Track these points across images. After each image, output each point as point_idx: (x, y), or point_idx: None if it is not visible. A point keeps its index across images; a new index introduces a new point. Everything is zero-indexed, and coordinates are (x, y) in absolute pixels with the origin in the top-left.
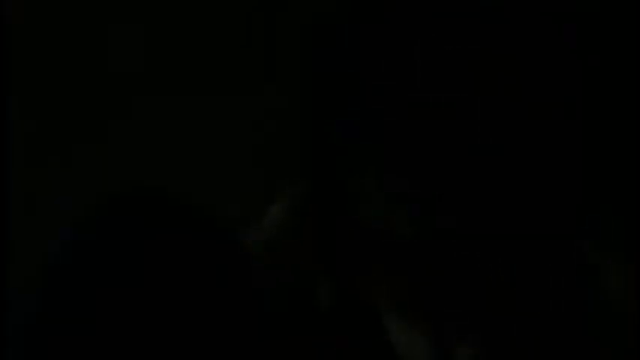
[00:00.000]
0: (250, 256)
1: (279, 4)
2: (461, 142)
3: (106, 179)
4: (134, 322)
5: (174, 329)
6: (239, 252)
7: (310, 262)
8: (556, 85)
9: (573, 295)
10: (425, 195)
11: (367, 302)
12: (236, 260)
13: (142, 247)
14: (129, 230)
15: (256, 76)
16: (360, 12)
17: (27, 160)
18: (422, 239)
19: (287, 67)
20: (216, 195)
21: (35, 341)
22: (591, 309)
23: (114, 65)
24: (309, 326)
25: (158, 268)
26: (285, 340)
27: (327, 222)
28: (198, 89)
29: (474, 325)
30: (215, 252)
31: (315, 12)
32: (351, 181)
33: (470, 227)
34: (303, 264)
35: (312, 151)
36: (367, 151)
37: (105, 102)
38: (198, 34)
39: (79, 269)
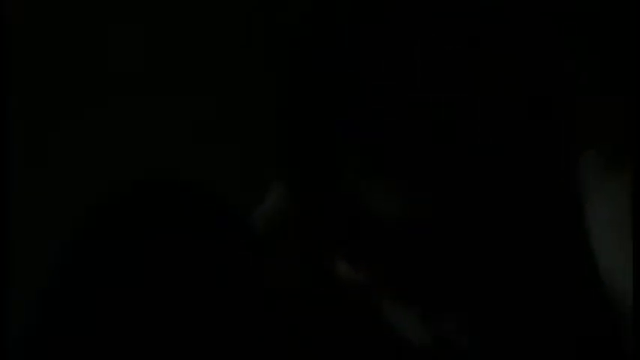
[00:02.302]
0: (259, 251)
1: (279, 4)
2: (460, 140)
3: (107, 179)
4: (141, 323)
5: (184, 328)
6: (248, 251)
7: (308, 249)
8: (556, 85)
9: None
10: (424, 192)
11: (359, 283)
12: (246, 258)
13: (145, 245)
14: (131, 229)
15: (255, 76)
16: (360, 12)
17: (27, 160)
18: (416, 225)
19: (286, 66)
20: (219, 194)
21: (38, 343)
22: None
23: (114, 65)
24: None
25: (163, 267)
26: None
27: (321, 209)
28: (198, 89)
29: (463, 300)
30: (222, 251)
31: (315, 12)
32: (349, 175)
33: (466, 217)
34: (303, 251)
35: (308, 147)
36: (366, 150)
37: (105, 102)
38: (198, 34)
39: (82, 270)
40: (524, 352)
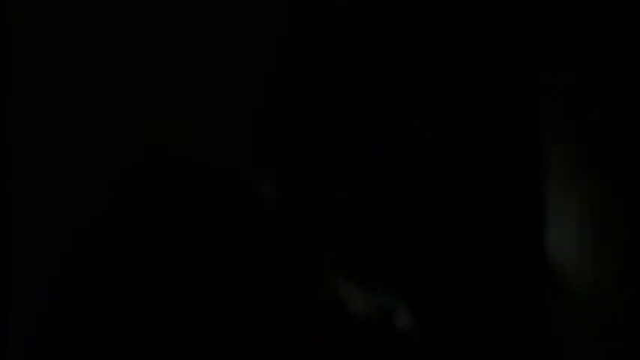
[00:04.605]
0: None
1: (279, 4)
2: (437, 133)
3: (107, 179)
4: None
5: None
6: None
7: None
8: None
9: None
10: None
11: (321, 265)
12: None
13: (151, 244)
14: (135, 228)
15: (253, 71)
16: (360, 12)
17: (27, 159)
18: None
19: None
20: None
21: (46, 341)
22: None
23: (113, 64)
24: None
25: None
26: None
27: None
28: (198, 85)
29: (408, 278)
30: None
31: (315, 12)
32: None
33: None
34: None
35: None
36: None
37: (104, 101)
38: (200, 26)
39: (89, 268)
40: (465, 335)
